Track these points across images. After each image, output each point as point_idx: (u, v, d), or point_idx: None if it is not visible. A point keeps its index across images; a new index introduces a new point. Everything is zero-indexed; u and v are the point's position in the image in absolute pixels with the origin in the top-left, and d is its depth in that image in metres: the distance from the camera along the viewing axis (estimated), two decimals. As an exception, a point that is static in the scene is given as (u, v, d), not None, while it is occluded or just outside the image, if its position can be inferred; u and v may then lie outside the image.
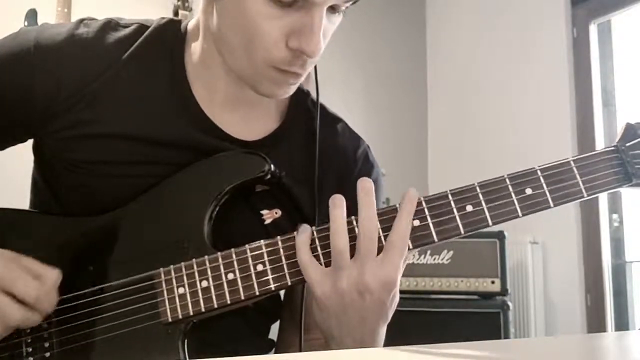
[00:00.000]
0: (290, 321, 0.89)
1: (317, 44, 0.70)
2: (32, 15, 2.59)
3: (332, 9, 0.72)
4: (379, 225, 0.69)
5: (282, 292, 0.90)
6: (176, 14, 2.71)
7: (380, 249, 0.68)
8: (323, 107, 0.88)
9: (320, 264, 0.69)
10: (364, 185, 0.69)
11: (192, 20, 0.84)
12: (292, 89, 0.79)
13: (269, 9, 0.69)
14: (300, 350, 0.78)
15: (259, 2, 0.69)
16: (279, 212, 0.81)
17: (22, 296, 0.68)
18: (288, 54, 0.72)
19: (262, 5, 0.69)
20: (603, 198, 2.84)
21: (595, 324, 2.80)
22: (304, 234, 0.70)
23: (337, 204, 0.69)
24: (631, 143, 0.71)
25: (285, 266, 0.70)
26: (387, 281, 0.68)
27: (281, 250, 0.70)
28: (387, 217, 0.70)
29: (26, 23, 2.55)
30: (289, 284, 0.70)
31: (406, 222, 0.68)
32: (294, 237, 0.70)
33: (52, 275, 0.70)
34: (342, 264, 0.67)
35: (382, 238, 0.69)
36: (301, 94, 0.87)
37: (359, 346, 0.71)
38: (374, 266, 0.67)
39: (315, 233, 0.70)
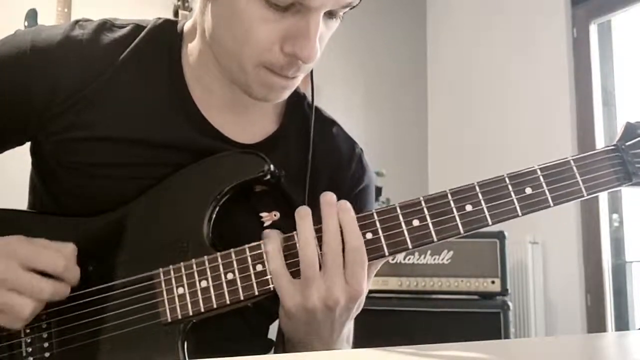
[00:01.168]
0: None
1: (312, 50, 0.69)
2: (32, 15, 2.59)
3: (330, 14, 0.72)
4: (377, 225, 0.69)
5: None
6: (176, 14, 2.70)
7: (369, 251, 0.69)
8: (318, 110, 0.88)
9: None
10: (326, 199, 0.70)
11: (189, 21, 0.84)
12: (286, 94, 0.78)
13: (264, 12, 0.69)
14: (284, 351, 0.78)
15: (254, 4, 0.68)
16: (278, 215, 0.81)
17: (50, 269, 0.69)
18: (282, 59, 0.71)
19: (257, 8, 0.69)
20: (603, 198, 2.84)
21: (595, 324, 2.80)
22: (274, 242, 0.70)
23: (303, 215, 0.69)
24: (631, 142, 0.71)
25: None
26: (355, 294, 0.69)
27: None
28: (387, 217, 0.70)
29: (26, 23, 2.56)
30: (288, 284, 0.70)
31: (353, 232, 0.68)
32: (293, 236, 0.71)
33: (70, 247, 0.71)
34: (312, 276, 0.68)
35: (382, 239, 0.69)
36: (298, 97, 0.87)
37: (325, 347, 0.72)
38: (342, 279, 0.68)
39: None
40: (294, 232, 0.71)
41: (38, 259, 0.68)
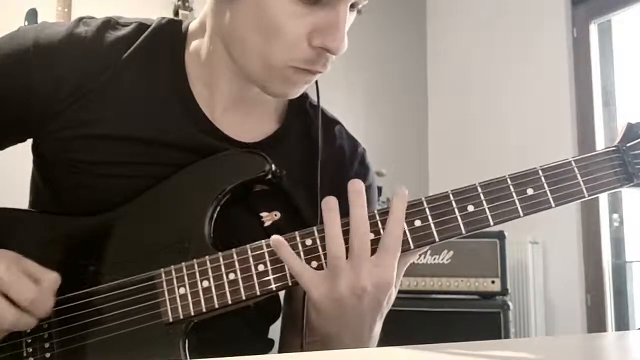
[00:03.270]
0: (292, 326, 0.89)
1: (342, 41, 0.70)
2: (32, 15, 2.58)
3: (352, 6, 0.73)
4: (379, 225, 0.69)
5: (281, 293, 0.90)
6: (176, 14, 2.70)
7: (375, 250, 0.68)
8: (321, 110, 0.88)
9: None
10: (355, 187, 0.69)
11: (195, 20, 0.84)
12: (304, 89, 0.79)
13: (294, 7, 0.69)
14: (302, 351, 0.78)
15: (283, 0, 0.69)
16: (278, 215, 0.81)
17: (17, 299, 0.68)
18: (310, 53, 0.71)
19: (286, 3, 0.69)
20: (603, 198, 2.84)
21: (595, 324, 2.80)
22: (283, 246, 0.69)
23: (331, 207, 0.68)
24: (632, 143, 0.71)
25: (286, 266, 0.70)
26: (382, 282, 0.68)
27: None
28: (386, 218, 0.70)
29: (26, 23, 2.55)
30: (290, 284, 0.70)
31: (397, 223, 0.68)
32: (295, 236, 0.70)
33: (50, 279, 0.70)
34: (339, 267, 0.67)
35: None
36: (300, 97, 0.87)
37: (357, 343, 0.71)
38: (369, 268, 0.67)
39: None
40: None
41: (10, 286, 0.67)
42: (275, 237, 0.70)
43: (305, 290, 0.69)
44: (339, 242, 0.67)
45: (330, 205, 0.69)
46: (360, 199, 0.68)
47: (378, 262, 0.67)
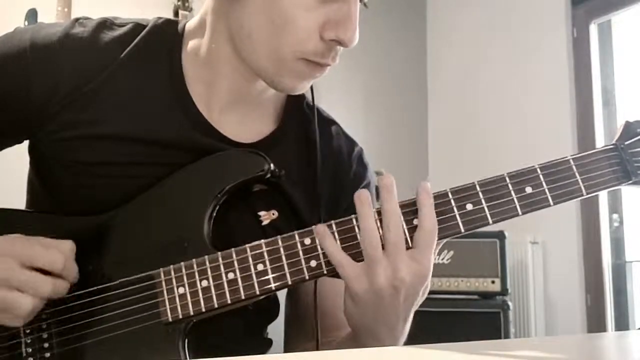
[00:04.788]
0: (298, 327, 0.89)
1: (354, 32, 0.71)
2: (32, 15, 2.58)
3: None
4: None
5: (279, 293, 0.90)
6: (176, 14, 2.71)
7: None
8: (318, 110, 0.88)
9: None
10: (385, 182, 0.68)
11: (193, 20, 0.84)
12: (311, 83, 0.79)
13: (307, 0, 0.70)
14: (317, 349, 0.78)
15: None
16: (276, 214, 0.81)
17: (49, 267, 0.69)
18: (322, 46, 0.72)
19: None
20: (603, 198, 2.84)
21: (595, 324, 2.80)
22: (327, 236, 0.68)
23: (364, 201, 0.68)
24: (630, 141, 0.71)
25: (285, 266, 0.70)
26: (421, 274, 0.68)
27: (281, 250, 0.70)
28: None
29: (26, 23, 2.55)
30: (289, 283, 0.70)
31: (428, 215, 0.67)
32: (294, 235, 0.70)
33: (68, 244, 0.71)
34: (377, 258, 0.66)
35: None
36: (297, 97, 0.87)
37: (392, 334, 0.72)
38: (406, 260, 0.67)
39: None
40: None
41: (38, 257, 0.68)
42: (320, 226, 0.69)
43: (346, 282, 0.68)
44: (374, 234, 0.66)
45: (362, 198, 0.68)
46: (391, 194, 0.68)
47: (416, 256, 0.67)
